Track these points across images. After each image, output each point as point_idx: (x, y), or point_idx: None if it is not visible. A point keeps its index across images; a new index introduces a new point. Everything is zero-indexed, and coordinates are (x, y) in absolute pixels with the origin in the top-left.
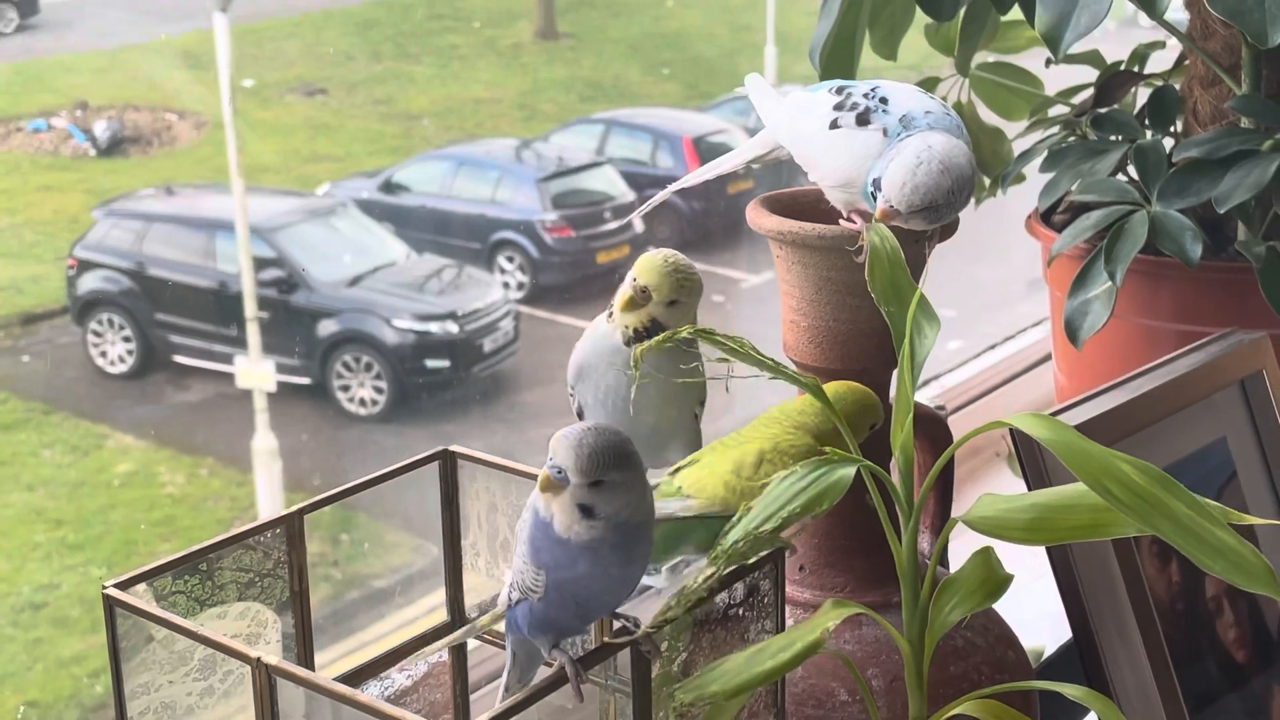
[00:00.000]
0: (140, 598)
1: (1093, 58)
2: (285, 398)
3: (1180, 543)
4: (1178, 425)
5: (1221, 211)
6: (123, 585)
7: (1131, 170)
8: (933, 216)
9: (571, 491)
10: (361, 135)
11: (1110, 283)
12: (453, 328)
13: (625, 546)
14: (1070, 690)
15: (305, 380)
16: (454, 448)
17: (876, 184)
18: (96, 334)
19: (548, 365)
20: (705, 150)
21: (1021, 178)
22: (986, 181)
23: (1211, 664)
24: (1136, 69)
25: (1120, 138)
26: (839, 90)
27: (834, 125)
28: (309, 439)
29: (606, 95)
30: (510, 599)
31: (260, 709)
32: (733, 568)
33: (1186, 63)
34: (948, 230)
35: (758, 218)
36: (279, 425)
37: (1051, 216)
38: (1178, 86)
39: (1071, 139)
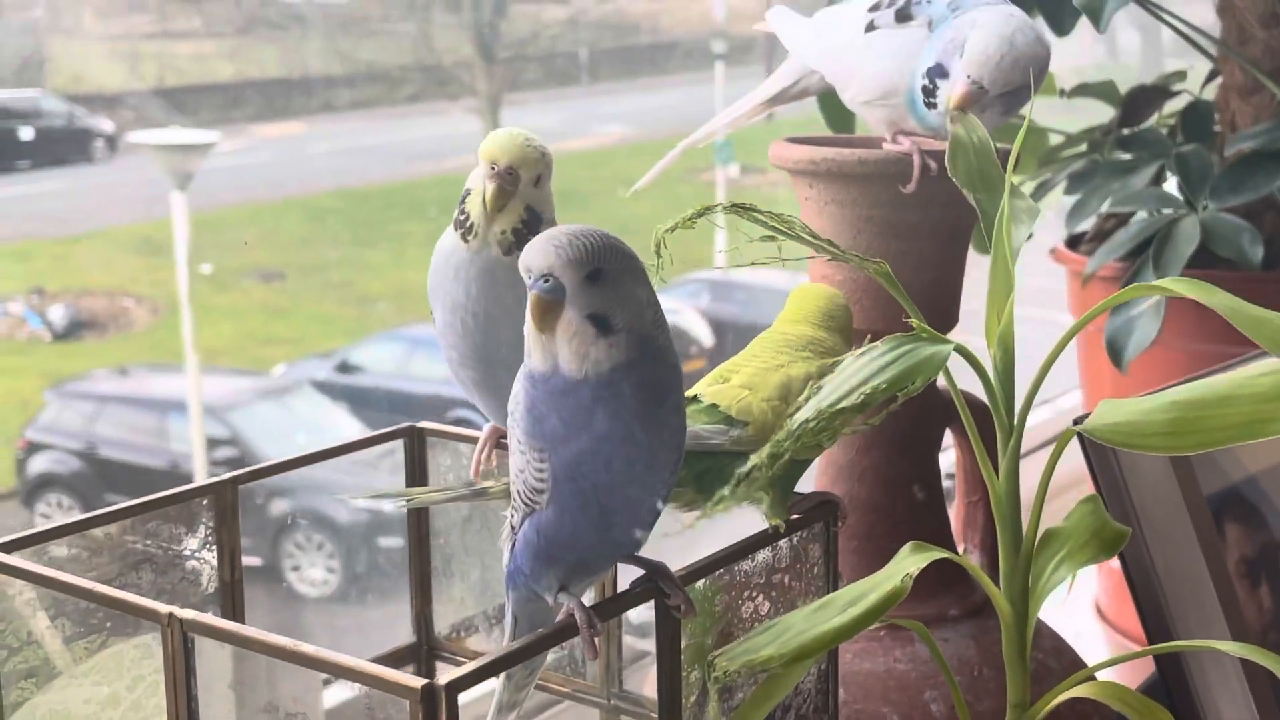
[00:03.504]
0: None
1: (1107, 90)
2: None
3: None
4: None
5: None
6: (4, 549)
7: (1169, 187)
8: (1016, 102)
9: (572, 301)
10: (318, 318)
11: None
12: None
13: (652, 383)
14: (1225, 646)
15: (256, 560)
16: (421, 423)
17: (933, 74)
18: (45, 516)
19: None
20: None
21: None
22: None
23: None
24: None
25: (1151, 155)
26: None
27: (870, 28)
28: (259, 620)
29: None
30: (512, 527)
31: (173, 680)
32: (782, 524)
33: (1219, 79)
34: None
35: (783, 151)
36: None
37: (1078, 247)
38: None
39: (1096, 160)
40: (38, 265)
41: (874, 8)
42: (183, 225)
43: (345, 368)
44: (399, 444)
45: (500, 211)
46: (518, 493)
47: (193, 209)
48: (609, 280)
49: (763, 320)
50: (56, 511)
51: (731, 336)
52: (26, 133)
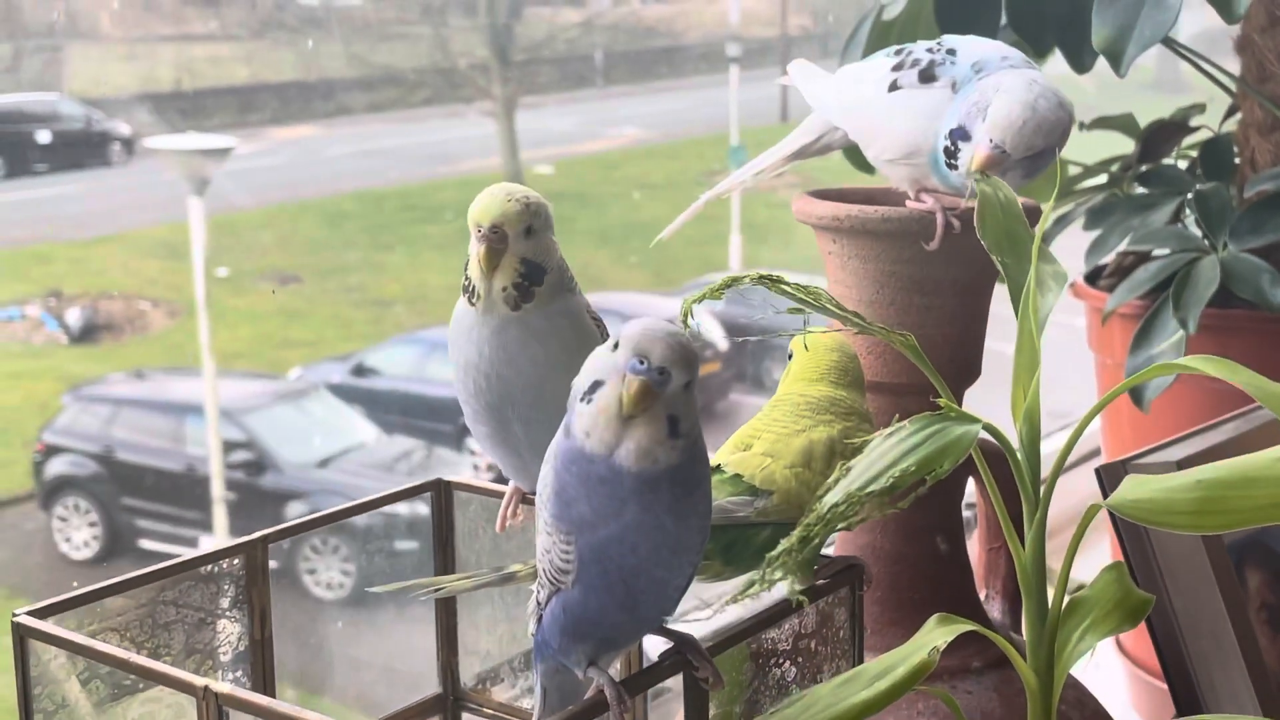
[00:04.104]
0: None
1: (1126, 123)
2: None
3: None
4: None
5: None
6: (39, 614)
7: (1189, 225)
8: (1038, 166)
9: (667, 399)
10: (334, 321)
11: (1181, 332)
12: (422, 509)
13: (686, 480)
14: None
15: (272, 564)
16: (448, 477)
17: (955, 136)
18: (62, 519)
19: (517, 545)
20: None
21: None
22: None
23: None
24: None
25: (1171, 192)
26: (897, 51)
27: (893, 87)
28: (274, 624)
29: (576, 280)
30: (538, 602)
31: None
32: (807, 584)
33: (1238, 115)
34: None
35: (807, 207)
36: None
37: (1097, 281)
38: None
39: (1115, 195)
40: (55, 268)
41: (898, 67)
42: (199, 229)
43: (361, 371)
44: (415, 445)
45: (495, 270)
46: (544, 571)
47: (209, 212)
48: (690, 390)
49: (777, 324)
50: (74, 514)
51: (746, 340)
52: (44, 136)
